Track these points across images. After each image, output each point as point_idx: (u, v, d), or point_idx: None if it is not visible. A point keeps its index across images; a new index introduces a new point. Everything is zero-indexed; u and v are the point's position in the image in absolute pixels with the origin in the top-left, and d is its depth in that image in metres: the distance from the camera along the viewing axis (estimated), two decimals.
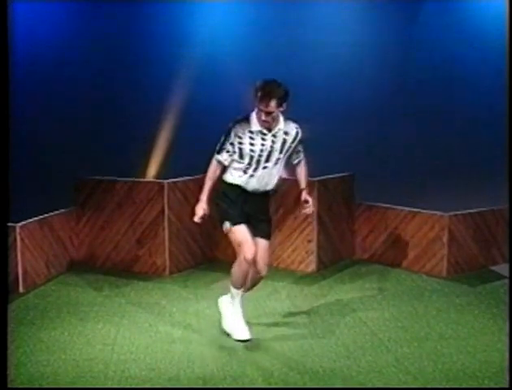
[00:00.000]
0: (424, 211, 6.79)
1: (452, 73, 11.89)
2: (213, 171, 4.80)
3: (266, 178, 4.75)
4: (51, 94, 10.87)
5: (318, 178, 6.71)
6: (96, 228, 6.93)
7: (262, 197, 4.83)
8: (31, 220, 6.31)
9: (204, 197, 4.83)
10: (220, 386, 4.34)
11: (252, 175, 4.70)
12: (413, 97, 11.77)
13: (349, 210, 7.18)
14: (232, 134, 4.64)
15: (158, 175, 10.21)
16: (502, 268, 6.76)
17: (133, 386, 4.34)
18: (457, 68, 11.89)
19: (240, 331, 4.96)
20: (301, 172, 4.95)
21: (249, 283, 4.98)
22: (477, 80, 11.71)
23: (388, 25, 11.77)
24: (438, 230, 6.61)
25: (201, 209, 4.84)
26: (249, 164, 4.68)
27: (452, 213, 6.63)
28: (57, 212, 6.74)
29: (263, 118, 4.55)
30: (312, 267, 6.83)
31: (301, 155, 4.91)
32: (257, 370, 4.54)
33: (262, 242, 4.86)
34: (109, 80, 10.92)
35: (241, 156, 4.67)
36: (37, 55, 10.89)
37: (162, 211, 6.62)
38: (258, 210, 4.84)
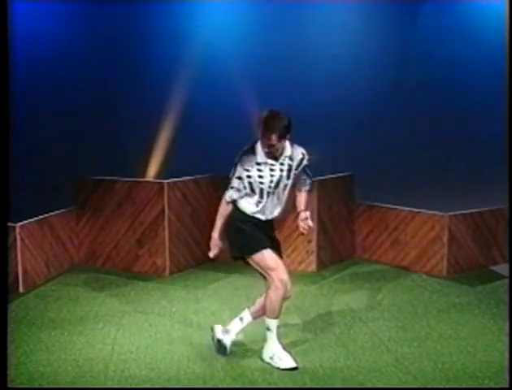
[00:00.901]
0: (424, 211, 6.79)
1: (452, 73, 11.90)
2: (224, 209, 4.67)
3: (276, 204, 4.66)
4: (51, 94, 10.87)
5: (318, 178, 6.71)
6: (96, 228, 6.93)
7: (271, 222, 4.75)
8: (31, 220, 6.31)
9: (216, 234, 4.71)
10: (220, 386, 4.35)
11: (260, 202, 4.61)
12: (413, 97, 11.77)
13: (349, 210, 7.18)
14: (239, 168, 4.55)
15: (158, 175, 10.21)
16: (502, 268, 6.76)
17: (133, 386, 4.34)
18: (457, 68, 11.90)
19: (287, 359, 4.66)
20: (302, 197, 4.78)
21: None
22: (477, 80, 11.71)
23: (387, 25, 11.77)
24: (438, 230, 6.62)
25: (216, 246, 4.75)
26: (261, 197, 4.59)
27: (452, 213, 6.63)
28: (57, 212, 6.74)
29: (266, 150, 4.49)
30: (312, 267, 6.84)
31: (308, 183, 4.77)
32: (257, 370, 4.54)
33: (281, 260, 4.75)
34: (109, 80, 10.92)
35: (252, 189, 4.57)
36: (37, 55, 10.89)
37: (162, 211, 6.62)
38: (270, 230, 4.74)
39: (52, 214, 6.66)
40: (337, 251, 7.11)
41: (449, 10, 12.02)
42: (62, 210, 6.83)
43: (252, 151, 4.53)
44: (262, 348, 4.83)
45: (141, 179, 8.12)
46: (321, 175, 6.81)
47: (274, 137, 4.40)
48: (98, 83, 10.93)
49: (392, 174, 10.57)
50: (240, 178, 4.55)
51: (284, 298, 4.66)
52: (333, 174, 7.09)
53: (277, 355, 4.61)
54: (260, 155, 4.51)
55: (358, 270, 6.92)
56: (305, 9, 11.45)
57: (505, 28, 9.77)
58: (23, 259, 6.13)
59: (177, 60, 10.77)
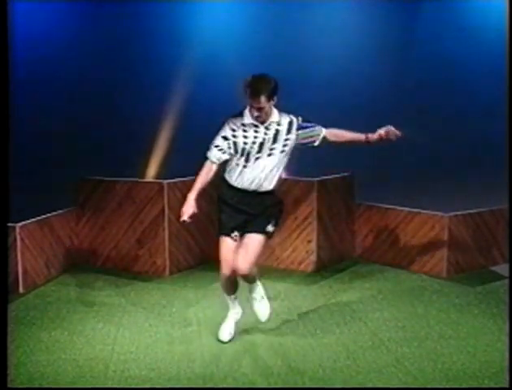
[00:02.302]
0: (424, 211, 6.79)
1: (451, 73, 11.91)
2: (204, 171, 4.73)
3: (260, 171, 4.64)
4: (51, 94, 10.88)
5: (318, 178, 6.71)
6: (96, 228, 6.93)
7: (262, 195, 4.71)
8: (31, 220, 6.31)
9: (192, 196, 4.70)
10: (220, 386, 4.35)
11: (244, 166, 4.63)
12: (413, 97, 11.78)
13: (349, 210, 7.18)
14: (227, 128, 4.64)
15: (158, 175, 10.21)
16: (502, 268, 6.76)
17: (133, 386, 4.35)
18: (457, 68, 11.91)
19: (221, 332, 5.07)
20: (340, 135, 4.85)
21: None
22: (477, 79, 11.73)
23: (387, 25, 11.79)
24: (438, 230, 6.61)
25: (190, 208, 4.68)
26: (241, 155, 4.63)
27: (452, 213, 6.63)
28: (57, 212, 6.74)
29: (255, 113, 4.56)
30: (312, 267, 6.83)
31: (318, 128, 4.75)
32: (257, 370, 4.54)
33: (250, 238, 4.71)
34: (109, 79, 10.93)
35: (236, 150, 4.63)
36: (37, 55, 10.90)
37: (162, 211, 6.62)
38: (256, 206, 4.71)
39: (52, 214, 6.65)
40: (337, 251, 7.11)
41: (449, 9, 12.04)
42: (62, 210, 6.83)
43: (239, 114, 4.65)
44: (262, 349, 4.86)
45: (141, 180, 8.12)
46: (321, 176, 6.81)
47: (262, 99, 4.48)
48: (98, 83, 10.94)
49: (392, 174, 10.58)
50: (225, 137, 4.64)
51: (240, 277, 4.86)
52: (333, 174, 7.08)
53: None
54: (247, 117, 4.60)
55: (358, 270, 6.91)
56: (306, 9, 11.46)
57: (505, 28, 9.78)
58: (23, 259, 6.13)
59: (177, 60, 10.78)
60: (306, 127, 4.74)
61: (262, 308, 5.06)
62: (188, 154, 9.96)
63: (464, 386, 4.31)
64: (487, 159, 10.97)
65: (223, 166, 4.78)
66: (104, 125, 10.90)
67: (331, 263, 6.99)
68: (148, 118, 10.77)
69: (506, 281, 6.37)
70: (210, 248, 7.19)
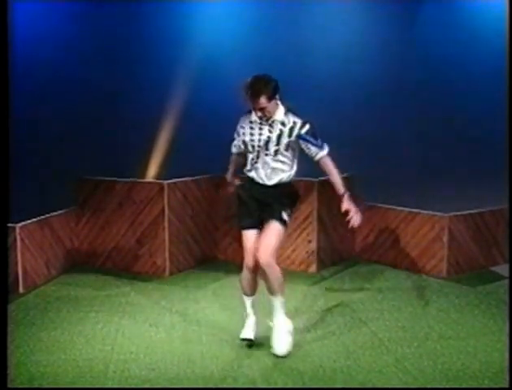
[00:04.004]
0: (424, 212, 6.79)
1: (452, 73, 11.90)
2: (232, 159, 5.15)
3: (270, 167, 4.73)
4: (51, 94, 10.87)
5: (318, 178, 6.71)
6: (96, 228, 6.93)
7: (275, 187, 4.78)
8: (31, 220, 6.31)
9: (228, 176, 5.23)
10: (220, 386, 4.35)
11: (256, 162, 4.77)
12: (413, 97, 11.78)
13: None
14: (238, 125, 4.87)
15: (158, 176, 10.21)
16: (502, 268, 6.76)
17: (133, 386, 4.35)
18: (457, 68, 11.90)
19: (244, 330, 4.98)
20: (327, 171, 4.79)
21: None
22: (477, 79, 11.72)
23: (387, 25, 11.78)
24: (438, 230, 6.61)
25: (231, 183, 5.20)
26: (252, 153, 4.78)
27: (452, 213, 6.63)
28: (57, 212, 6.74)
29: (258, 113, 4.65)
30: (312, 267, 6.84)
31: (314, 150, 4.69)
32: (257, 370, 4.54)
33: (268, 227, 4.74)
34: (109, 80, 10.93)
35: (246, 146, 4.82)
36: (37, 55, 10.90)
37: (162, 211, 6.62)
38: (270, 196, 4.77)
39: (52, 214, 6.65)
40: (337, 251, 7.11)
41: (449, 9, 12.03)
42: (62, 210, 6.83)
43: (249, 111, 4.78)
44: (262, 349, 4.85)
45: (141, 180, 8.12)
46: (321, 176, 6.80)
47: (263, 99, 4.55)
48: (98, 83, 10.93)
49: (392, 174, 10.57)
50: (237, 133, 4.91)
51: (259, 274, 4.84)
52: None
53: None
54: (254, 115, 4.72)
55: (358, 270, 6.92)
56: (305, 9, 11.46)
57: (505, 28, 9.78)
58: (23, 259, 6.13)
59: (177, 60, 10.78)
60: (306, 141, 4.70)
61: (283, 342, 4.79)
62: (189, 154, 9.99)
63: (464, 386, 4.31)
64: (487, 159, 10.97)
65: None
66: (104, 125, 10.90)
67: (332, 263, 6.99)
68: (148, 118, 10.76)
69: (506, 281, 6.37)
70: (210, 248, 7.21)
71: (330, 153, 4.77)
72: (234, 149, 5.07)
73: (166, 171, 9.98)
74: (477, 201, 7.69)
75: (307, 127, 4.67)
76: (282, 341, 4.77)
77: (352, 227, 4.79)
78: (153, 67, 11.13)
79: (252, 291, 4.96)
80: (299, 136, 4.68)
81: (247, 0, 11.41)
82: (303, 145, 4.72)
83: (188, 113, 10.82)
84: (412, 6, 11.97)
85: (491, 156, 10.73)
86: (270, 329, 5.24)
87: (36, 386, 4.34)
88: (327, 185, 6.86)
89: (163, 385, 4.35)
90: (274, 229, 4.75)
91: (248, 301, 4.99)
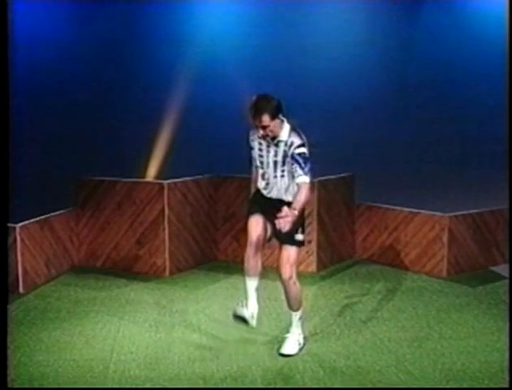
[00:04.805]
0: (424, 212, 6.79)
1: (452, 73, 11.91)
2: (252, 176, 4.99)
3: (278, 187, 4.77)
4: (51, 94, 10.88)
5: (318, 178, 6.71)
6: (96, 228, 6.93)
7: (286, 203, 4.73)
8: (31, 220, 6.31)
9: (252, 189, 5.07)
10: (220, 386, 4.35)
11: (267, 179, 4.78)
12: (413, 97, 11.79)
13: (349, 210, 7.18)
14: (248, 141, 4.83)
15: (158, 176, 10.21)
16: (502, 268, 6.76)
17: (133, 386, 4.35)
18: (458, 68, 11.91)
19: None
20: (298, 195, 4.61)
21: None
22: (477, 80, 11.73)
23: (388, 25, 11.79)
24: (438, 230, 6.61)
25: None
26: (261, 168, 4.78)
27: (452, 213, 6.63)
28: (57, 212, 6.73)
29: (261, 132, 4.61)
30: (312, 267, 6.83)
31: (299, 172, 4.61)
32: (257, 370, 4.54)
33: (285, 249, 4.79)
34: (109, 80, 10.93)
35: (255, 161, 4.81)
36: (37, 55, 10.90)
37: (162, 211, 6.62)
38: (274, 208, 4.69)
39: (52, 214, 6.65)
40: (337, 251, 7.11)
41: (450, 9, 12.04)
42: (62, 210, 6.82)
43: (256, 126, 4.69)
44: (262, 349, 4.85)
45: (141, 180, 8.12)
46: (321, 176, 6.81)
47: (265, 118, 4.53)
48: (98, 83, 10.94)
49: (392, 174, 10.58)
50: (250, 148, 4.83)
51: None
52: (333, 174, 7.08)
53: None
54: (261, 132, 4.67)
55: (358, 270, 6.91)
56: (305, 9, 11.46)
57: (505, 28, 9.78)
58: (23, 259, 6.13)
59: (177, 60, 10.78)
60: (295, 161, 4.63)
61: (291, 344, 4.87)
62: (188, 154, 10.00)
63: (464, 386, 4.31)
64: (487, 159, 10.97)
65: None
66: (104, 125, 10.90)
67: (331, 263, 6.99)
68: (148, 118, 10.77)
69: (506, 281, 6.37)
70: (210, 248, 7.21)
71: (310, 184, 4.67)
72: (253, 166, 4.92)
73: (166, 171, 9.99)
74: (477, 201, 7.69)
75: (302, 149, 4.63)
76: (291, 344, 4.84)
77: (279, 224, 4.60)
78: (153, 68, 11.14)
79: (255, 270, 4.79)
80: (291, 155, 4.66)
81: (247, 0, 11.41)
82: (291, 162, 4.67)
83: (188, 113, 10.83)
84: (413, 6, 11.97)
85: (491, 156, 10.73)
86: (270, 328, 5.26)
87: (36, 386, 4.34)
88: (327, 185, 6.92)
89: (163, 385, 4.35)
90: (290, 252, 4.78)
91: (250, 281, 4.81)
